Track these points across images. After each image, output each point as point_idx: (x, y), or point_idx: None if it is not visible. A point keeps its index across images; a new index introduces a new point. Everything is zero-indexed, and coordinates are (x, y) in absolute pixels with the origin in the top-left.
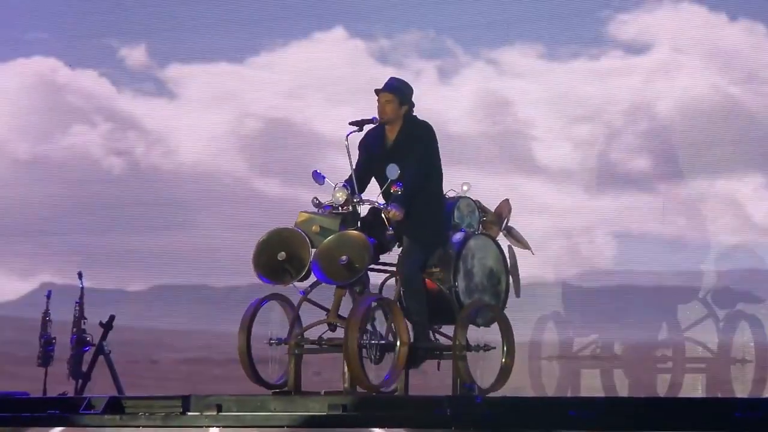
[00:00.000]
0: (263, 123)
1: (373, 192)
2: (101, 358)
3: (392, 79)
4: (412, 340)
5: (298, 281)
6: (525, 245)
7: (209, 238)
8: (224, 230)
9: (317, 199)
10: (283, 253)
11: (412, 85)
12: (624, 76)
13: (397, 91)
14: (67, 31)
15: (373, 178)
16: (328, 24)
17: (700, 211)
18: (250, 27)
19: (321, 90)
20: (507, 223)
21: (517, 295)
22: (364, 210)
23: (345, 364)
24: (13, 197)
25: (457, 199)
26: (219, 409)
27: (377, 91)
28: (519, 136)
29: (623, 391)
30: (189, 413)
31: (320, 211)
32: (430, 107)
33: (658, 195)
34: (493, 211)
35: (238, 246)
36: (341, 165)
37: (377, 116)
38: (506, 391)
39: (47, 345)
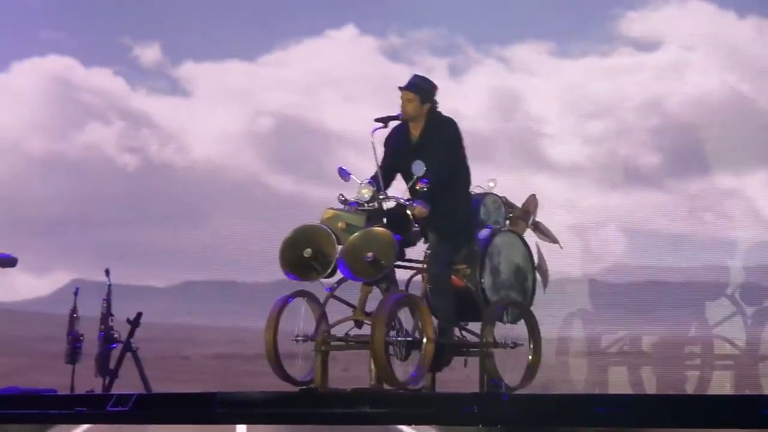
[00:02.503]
0: (276, 120)
1: (398, 189)
2: (129, 355)
3: (415, 76)
4: (437, 337)
5: (325, 278)
6: (553, 239)
7: (231, 235)
8: (244, 227)
9: (343, 195)
10: (309, 249)
11: (435, 83)
12: (634, 73)
13: (419, 89)
14: (82, 30)
15: (398, 175)
16: (341, 22)
17: (727, 207)
18: (262, 25)
19: (333, 87)
20: (534, 218)
21: (545, 290)
22: (389, 207)
23: (371, 361)
24: (30, 194)
25: (483, 196)
26: (246, 406)
27: (400, 89)
28: (530, 132)
29: (651, 388)
30: (217, 410)
31: (346, 207)
32: (442, 104)
33: (685, 192)
34: (519, 206)
35: (262, 242)
36: (353, 161)
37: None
38: (533, 388)
39: (75, 342)
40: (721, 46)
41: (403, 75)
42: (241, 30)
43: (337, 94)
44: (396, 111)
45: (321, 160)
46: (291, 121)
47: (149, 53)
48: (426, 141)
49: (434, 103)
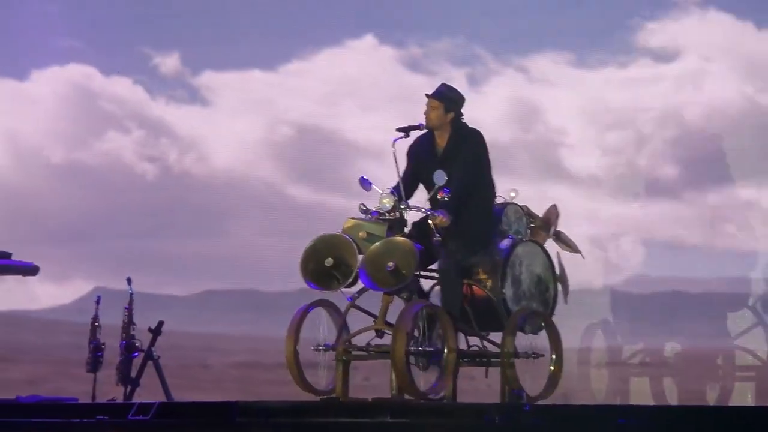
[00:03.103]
0: (295, 129)
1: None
2: (150, 363)
3: (442, 85)
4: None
5: (346, 287)
6: (575, 249)
7: (251, 244)
8: (264, 236)
9: (364, 205)
10: (330, 259)
11: (462, 93)
12: (653, 84)
13: (444, 98)
14: (102, 39)
15: (420, 185)
16: (360, 32)
17: (747, 219)
18: (282, 35)
19: (352, 97)
20: (555, 228)
21: (566, 300)
22: (411, 216)
23: (392, 371)
24: (50, 202)
25: (504, 206)
26: (267, 415)
27: (427, 96)
28: (550, 143)
29: (672, 399)
30: (237, 420)
31: (367, 217)
32: None
33: (704, 202)
34: (541, 216)
35: (282, 251)
36: (371, 171)
37: (424, 122)
38: (555, 398)
39: (96, 351)
40: (739, 56)
41: (422, 85)
42: (260, 40)
43: (356, 104)
44: (416, 120)
45: (340, 170)
46: (310, 130)
47: (169, 62)
48: (451, 151)
49: (459, 113)
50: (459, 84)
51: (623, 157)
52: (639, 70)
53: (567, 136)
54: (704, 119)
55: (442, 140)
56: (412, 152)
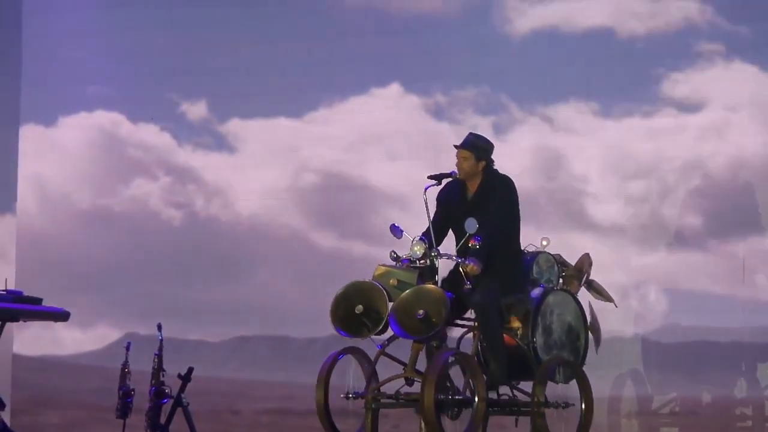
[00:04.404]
0: (320, 177)
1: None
2: (179, 410)
3: (470, 134)
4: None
5: (376, 335)
6: (608, 298)
7: (277, 290)
8: (289, 282)
9: (395, 252)
10: (360, 306)
11: (491, 140)
12: (677, 134)
13: (474, 148)
14: (129, 86)
15: (450, 231)
16: (386, 80)
17: None
18: (309, 83)
19: (377, 145)
20: (588, 276)
21: (597, 350)
22: (441, 264)
23: (421, 419)
24: (79, 248)
25: (536, 254)
26: None
27: (456, 147)
28: (573, 192)
29: None
30: None
31: (398, 264)
32: None
33: (730, 252)
34: (573, 264)
35: (307, 298)
36: (395, 218)
37: (456, 171)
38: None
39: (126, 396)
40: (764, 107)
41: (447, 133)
42: (287, 88)
43: (381, 151)
44: (444, 168)
45: (364, 217)
46: (335, 177)
47: (196, 109)
48: (482, 198)
49: (490, 160)
50: (484, 132)
51: (647, 206)
52: (663, 120)
53: (590, 184)
54: (728, 169)
55: (472, 187)
56: (442, 198)
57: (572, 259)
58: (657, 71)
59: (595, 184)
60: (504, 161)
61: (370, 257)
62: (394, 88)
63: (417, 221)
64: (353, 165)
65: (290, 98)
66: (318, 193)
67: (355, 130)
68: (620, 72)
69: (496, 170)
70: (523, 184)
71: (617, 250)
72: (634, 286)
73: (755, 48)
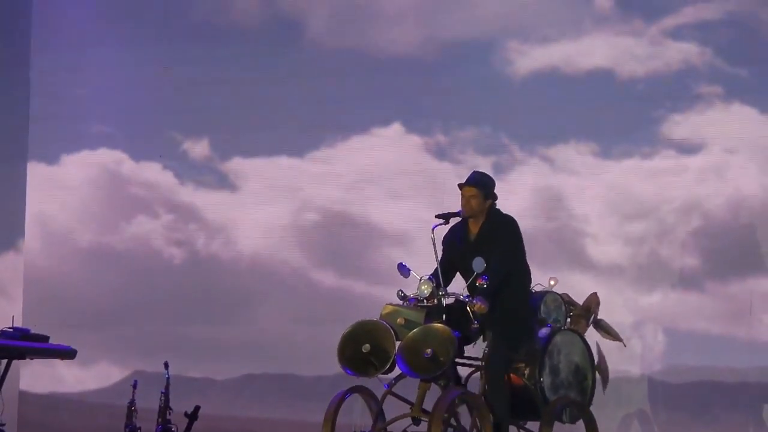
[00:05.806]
0: (321, 215)
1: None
2: None
3: (475, 172)
4: None
5: (383, 374)
6: (616, 337)
7: (279, 328)
8: (290, 321)
9: (402, 291)
10: (367, 345)
11: (493, 178)
12: (676, 175)
13: (481, 185)
14: (132, 125)
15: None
16: (387, 120)
17: None
18: (309, 123)
19: (379, 184)
20: (596, 316)
21: (604, 390)
22: (449, 303)
23: None
24: (82, 286)
25: (543, 294)
26: None
27: (461, 186)
28: (573, 232)
29: None
30: None
31: (405, 303)
32: None
33: (743, 294)
34: (580, 304)
35: (309, 336)
36: (397, 257)
37: (462, 209)
38: None
39: None
40: (762, 149)
41: (448, 173)
42: (288, 127)
43: (382, 191)
44: (446, 208)
45: (365, 256)
46: (336, 216)
47: (198, 148)
48: (486, 237)
49: (495, 198)
50: (485, 172)
51: (646, 246)
52: (663, 161)
53: (590, 225)
54: (727, 210)
55: (475, 227)
56: (447, 239)
57: (575, 299)
58: (657, 113)
59: (595, 225)
60: (505, 201)
61: (372, 296)
62: (396, 128)
63: (418, 260)
64: (354, 204)
65: (292, 137)
66: (319, 231)
67: (357, 169)
68: (620, 113)
69: (499, 210)
70: (523, 223)
71: (618, 290)
72: (633, 326)
73: (754, 90)
